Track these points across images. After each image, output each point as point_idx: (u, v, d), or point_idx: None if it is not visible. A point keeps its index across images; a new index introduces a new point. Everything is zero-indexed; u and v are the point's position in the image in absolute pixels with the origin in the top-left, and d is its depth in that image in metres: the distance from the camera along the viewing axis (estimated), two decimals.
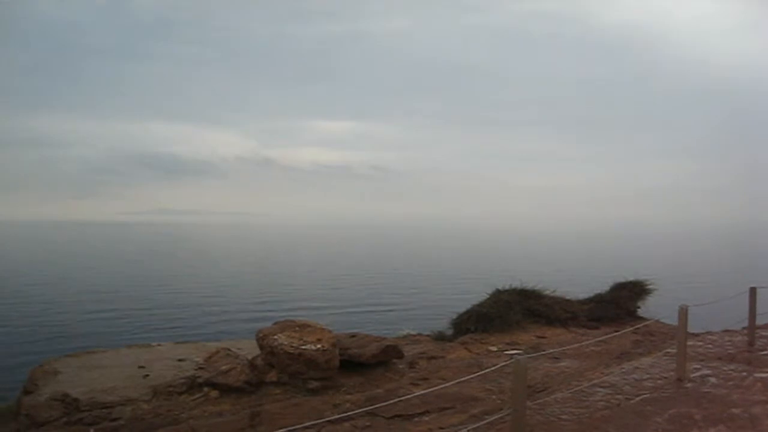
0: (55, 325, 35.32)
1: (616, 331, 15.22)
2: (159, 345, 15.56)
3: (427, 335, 17.58)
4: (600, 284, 20.61)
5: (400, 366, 12.94)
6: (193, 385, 11.23)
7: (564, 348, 13.43)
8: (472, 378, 9.77)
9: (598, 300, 19.33)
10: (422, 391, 9.97)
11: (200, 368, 11.90)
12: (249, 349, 13.21)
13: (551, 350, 13.36)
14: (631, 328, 14.96)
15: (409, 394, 10.11)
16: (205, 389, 11.08)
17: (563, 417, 8.89)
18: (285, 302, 43.63)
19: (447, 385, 9.23)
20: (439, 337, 16.87)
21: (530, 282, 18.70)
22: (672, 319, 12.47)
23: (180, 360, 13.32)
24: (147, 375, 12.18)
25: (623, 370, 11.73)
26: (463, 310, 17.65)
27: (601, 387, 10.43)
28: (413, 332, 18.71)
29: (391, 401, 9.06)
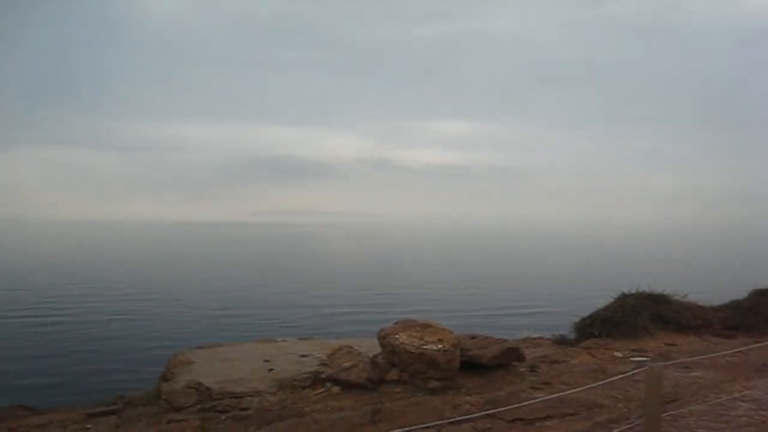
0: (186, 319, 37.52)
1: (757, 342, 14.17)
2: (283, 340, 16.09)
3: (548, 339, 17.13)
4: (736, 290, 19.30)
5: (521, 369, 12.69)
6: (316, 381, 11.55)
7: (696, 357, 12.66)
8: (598, 385, 9.41)
9: (734, 307, 18.08)
10: (545, 396, 9.73)
11: (323, 364, 12.21)
12: (369, 347, 13.38)
13: (682, 359, 12.63)
14: None
15: (530, 398, 9.90)
16: (328, 385, 11.36)
17: None
18: (403, 303, 43.96)
19: (573, 391, 8.95)
20: (561, 341, 16.39)
21: (658, 286, 17.80)
22: None
23: (303, 356, 13.70)
24: (272, 369, 12.61)
25: None
26: (586, 313, 17.09)
27: (743, 401, 9.72)
28: (533, 335, 18.30)
29: (513, 405, 8.90)
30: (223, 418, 10.13)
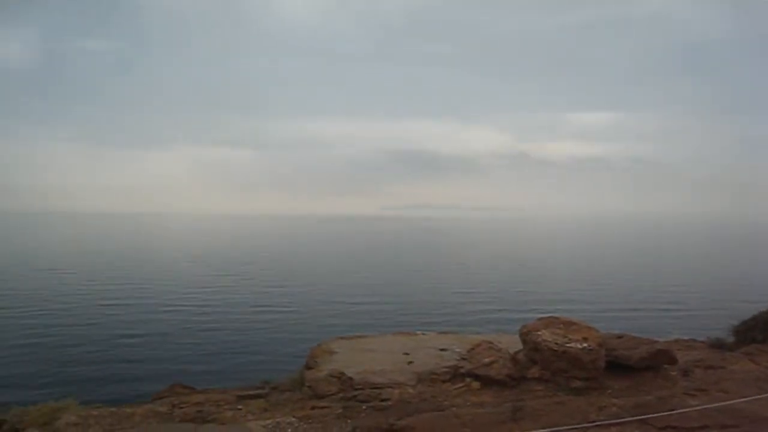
0: (328, 311, 38.75)
1: None
2: (422, 334, 16.18)
3: (702, 342, 16.00)
4: None
5: (672, 373, 11.94)
6: (455, 375, 11.50)
7: None
8: (765, 396, 8.64)
9: None
10: (701, 404, 9.08)
11: (463, 359, 12.15)
12: (508, 343, 13.15)
13: None
14: None
15: (684, 405, 9.28)
16: (467, 380, 11.27)
17: None
18: (544, 299, 42.94)
19: (734, 401, 8.27)
20: (717, 345, 15.24)
21: None
22: None
23: (442, 350, 13.70)
24: (411, 362, 12.71)
25: None
26: (744, 316, 15.79)
27: None
28: (684, 337, 17.19)
29: (665, 411, 8.37)
30: (364, 407, 10.32)
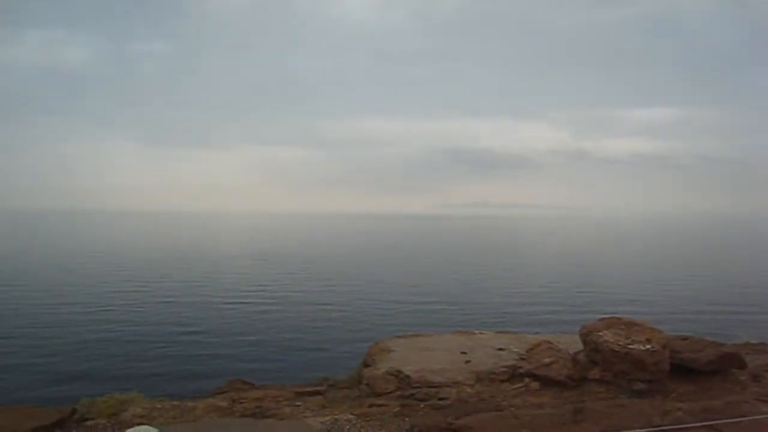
0: (385, 309, 38.87)
1: None
2: (480, 333, 16.07)
3: None
4: None
5: (742, 377, 11.52)
6: (514, 375, 11.38)
7: None
8: None
9: None
10: None
11: (521, 359, 12.00)
12: (568, 343, 12.93)
13: None
14: None
15: (756, 412, 8.94)
16: (526, 380, 11.14)
17: None
18: (604, 300, 42.01)
19: None
20: None
21: None
22: None
23: (500, 349, 13.58)
24: (469, 361, 12.63)
25: None
26: None
27: None
28: (753, 341, 16.56)
29: (735, 418, 8.07)
30: (422, 406, 10.32)
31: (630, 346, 10.62)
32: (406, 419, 9.67)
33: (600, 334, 11.04)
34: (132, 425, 9.23)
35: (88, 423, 9.73)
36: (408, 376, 11.37)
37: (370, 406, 10.49)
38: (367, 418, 9.74)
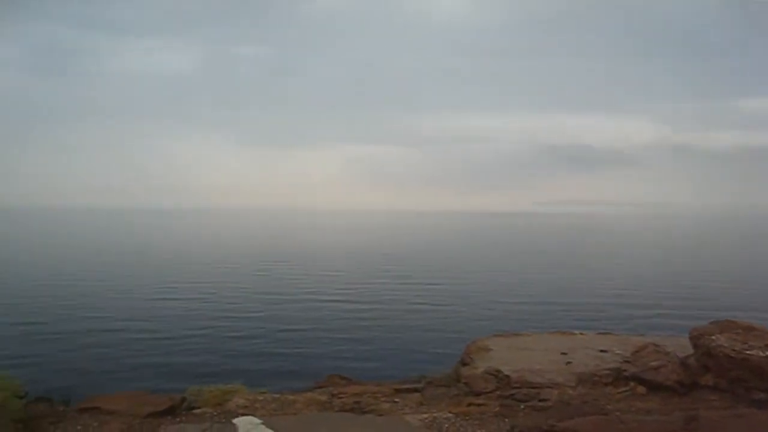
0: (482, 307, 38.44)
1: None
2: (581, 334, 15.61)
3: None
4: None
5: None
6: (618, 378, 10.96)
7: None
8: None
9: None
10: None
11: (626, 361, 11.54)
12: (676, 347, 12.33)
13: None
14: None
15: None
16: (632, 384, 10.70)
17: None
18: (714, 302, 39.81)
19: None
20: None
21: None
22: None
23: (602, 351, 13.13)
24: (569, 362, 12.29)
25: None
26: None
27: None
28: None
29: None
30: (522, 406, 10.11)
31: (747, 352, 9.96)
32: (506, 420, 9.50)
33: (713, 338, 10.44)
34: (236, 415, 9.54)
35: (196, 411, 10.16)
36: (507, 376, 11.18)
37: (469, 405, 10.37)
38: (467, 417, 9.64)
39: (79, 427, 9.28)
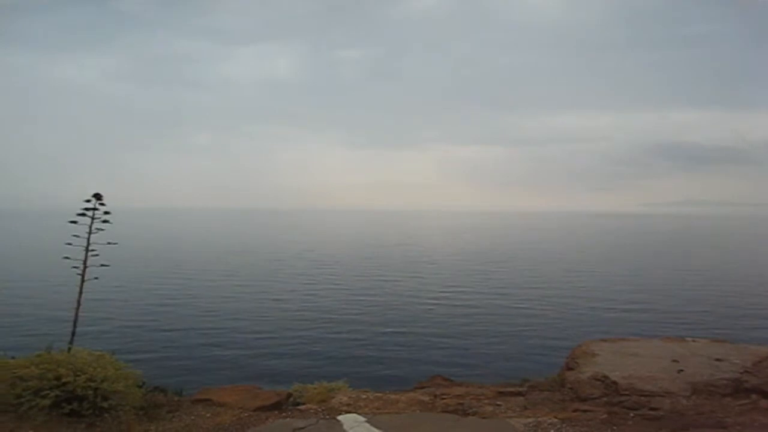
0: (587, 311, 37.40)
1: None
2: (693, 341, 14.83)
3: None
4: None
5: None
6: (738, 389, 10.32)
7: None
8: None
9: None
10: None
11: (746, 372, 10.86)
12: None
13: None
14: None
15: None
16: (753, 396, 10.05)
17: None
18: None
19: None
20: None
21: None
22: None
23: (717, 359, 12.42)
24: (681, 370, 11.69)
25: None
26: None
27: None
28: None
29: None
30: (632, 415, 9.71)
31: None
32: (615, 428, 9.16)
33: None
34: (340, 412, 9.70)
35: (301, 407, 10.44)
36: (615, 382, 10.76)
37: (575, 411, 10.07)
38: (573, 423, 9.38)
39: (193, 417, 9.78)
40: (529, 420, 9.50)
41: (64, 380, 8.82)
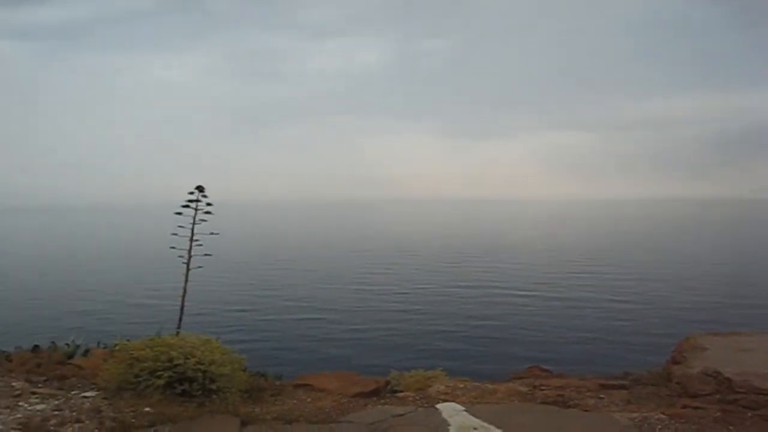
0: (694, 303, 35.75)
1: None
2: None
3: None
4: None
5: None
6: None
7: None
8: None
9: None
10: None
11: None
12: None
13: None
14: None
15: None
16: None
17: None
18: None
19: None
20: None
21: None
22: None
23: None
24: None
25: None
26: None
27: None
28: None
29: None
30: (749, 414, 9.05)
31: None
32: (730, 428, 8.58)
33: None
34: (437, 401, 9.58)
35: (399, 395, 10.44)
36: (728, 379, 10.06)
37: (684, 407, 9.50)
38: (682, 420, 8.85)
39: (294, 401, 10.02)
40: (635, 415, 9.05)
41: (175, 362, 9.26)
